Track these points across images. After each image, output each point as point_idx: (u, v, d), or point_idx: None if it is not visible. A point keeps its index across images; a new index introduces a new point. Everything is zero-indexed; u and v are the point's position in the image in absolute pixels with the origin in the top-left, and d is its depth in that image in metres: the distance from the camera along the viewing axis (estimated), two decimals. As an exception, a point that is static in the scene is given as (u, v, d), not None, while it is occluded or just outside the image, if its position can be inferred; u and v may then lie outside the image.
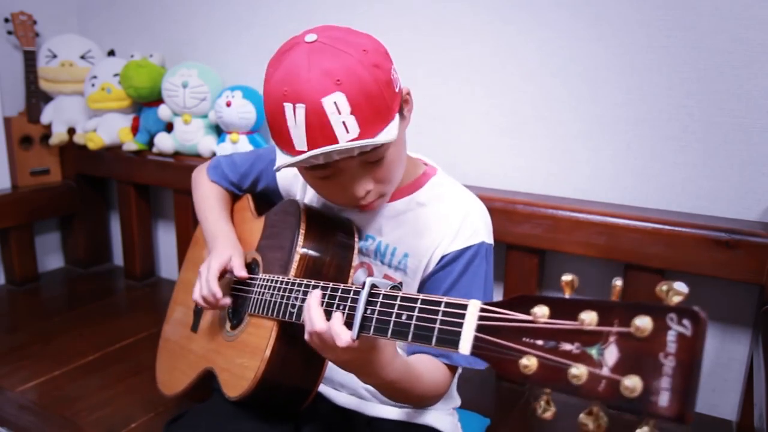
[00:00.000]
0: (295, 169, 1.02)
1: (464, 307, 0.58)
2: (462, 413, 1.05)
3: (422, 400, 0.88)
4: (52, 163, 1.93)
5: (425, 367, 0.84)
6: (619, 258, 1.20)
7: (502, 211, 1.26)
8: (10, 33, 1.81)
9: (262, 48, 1.66)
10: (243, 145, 1.59)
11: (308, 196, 1.02)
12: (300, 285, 0.82)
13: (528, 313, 0.50)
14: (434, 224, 0.91)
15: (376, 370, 0.73)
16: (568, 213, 1.23)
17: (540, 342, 0.49)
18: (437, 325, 0.60)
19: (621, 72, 1.23)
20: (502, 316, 0.53)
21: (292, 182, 1.05)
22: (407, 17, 1.44)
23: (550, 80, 1.30)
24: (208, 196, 1.12)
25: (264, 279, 0.92)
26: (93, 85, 1.75)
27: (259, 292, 0.92)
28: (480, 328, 0.55)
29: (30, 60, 1.81)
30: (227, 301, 0.96)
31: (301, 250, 0.88)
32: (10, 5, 1.80)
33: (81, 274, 2.00)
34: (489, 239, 0.92)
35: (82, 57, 1.84)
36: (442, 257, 0.89)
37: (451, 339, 0.58)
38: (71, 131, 1.86)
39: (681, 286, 0.43)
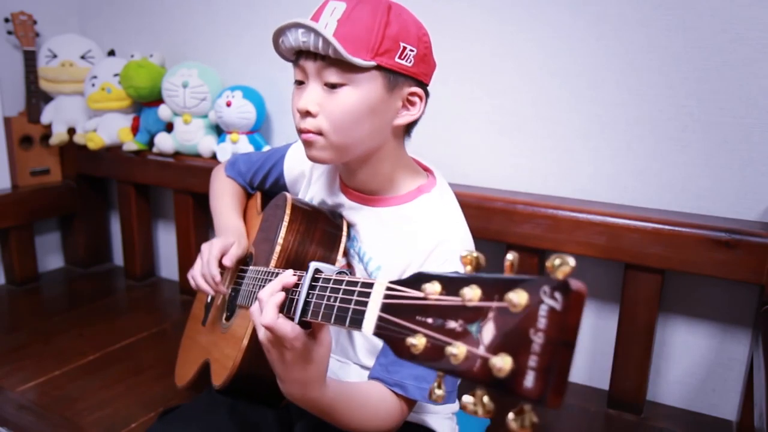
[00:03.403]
0: (302, 166, 1.05)
1: (371, 285, 0.56)
2: (462, 413, 1.04)
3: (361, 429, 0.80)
4: (52, 163, 1.93)
5: (370, 395, 0.80)
6: (619, 258, 1.20)
7: (503, 211, 1.27)
8: (10, 33, 1.81)
9: (262, 48, 1.66)
10: (243, 145, 1.59)
11: (311, 192, 1.03)
12: (273, 275, 0.82)
13: (421, 290, 0.48)
14: (407, 244, 0.86)
15: (307, 387, 0.71)
16: (569, 213, 1.22)
17: (430, 320, 0.46)
18: (351, 306, 0.58)
19: (621, 72, 1.23)
20: (402, 294, 0.50)
21: (298, 178, 1.07)
22: (407, 17, 1.43)
23: (550, 80, 1.30)
24: (221, 191, 1.15)
25: (251, 270, 0.94)
26: (93, 85, 1.76)
27: (247, 283, 0.94)
28: (384, 308, 0.53)
29: (30, 60, 1.81)
30: (223, 288, 0.98)
31: (281, 241, 0.89)
32: (10, 5, 1.80)
33: (81, 274, 2.00)
34: None
35: (82, 57, 1.84)
36: None
37: (357, 319, 0.56)
38: (71, 131, 1.86)
39: (570, 260, 0.38)
